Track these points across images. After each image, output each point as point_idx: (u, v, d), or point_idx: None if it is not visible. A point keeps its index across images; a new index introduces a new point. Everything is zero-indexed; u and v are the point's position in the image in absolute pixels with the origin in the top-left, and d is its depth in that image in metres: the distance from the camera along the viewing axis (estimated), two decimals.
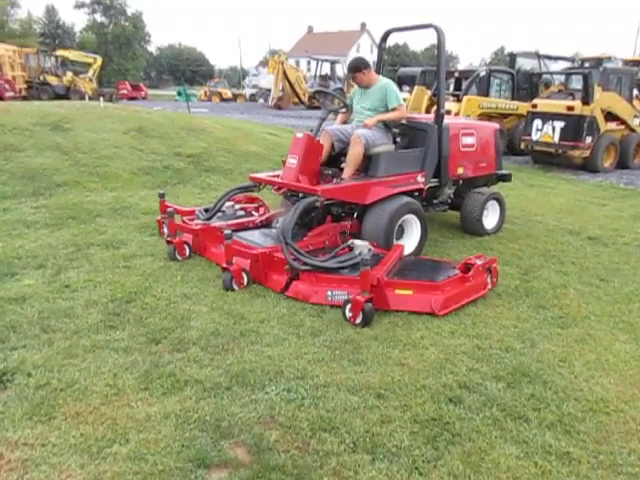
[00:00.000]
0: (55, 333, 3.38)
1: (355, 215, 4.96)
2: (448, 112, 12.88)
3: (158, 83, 71.21)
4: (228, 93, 40.22)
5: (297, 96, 29.63)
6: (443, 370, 3.13)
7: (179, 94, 35.80)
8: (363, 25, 66.26)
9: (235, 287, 4.14)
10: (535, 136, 11.94)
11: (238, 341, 3.37)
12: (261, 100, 35.95)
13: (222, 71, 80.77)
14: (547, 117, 11.66)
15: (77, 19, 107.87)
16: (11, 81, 26.33)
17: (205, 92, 40.35)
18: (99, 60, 32.62)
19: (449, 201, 5.87)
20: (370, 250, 4.39)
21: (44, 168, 7.80)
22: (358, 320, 3.60)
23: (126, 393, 2.76)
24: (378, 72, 5.78)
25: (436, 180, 5.50)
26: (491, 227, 6.11)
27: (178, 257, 4.78)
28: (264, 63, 43.03)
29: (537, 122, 11.86)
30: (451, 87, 14.92)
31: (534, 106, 12.11)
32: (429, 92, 14.44)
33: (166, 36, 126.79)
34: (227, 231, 4.11)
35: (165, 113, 14.68)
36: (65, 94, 26.79)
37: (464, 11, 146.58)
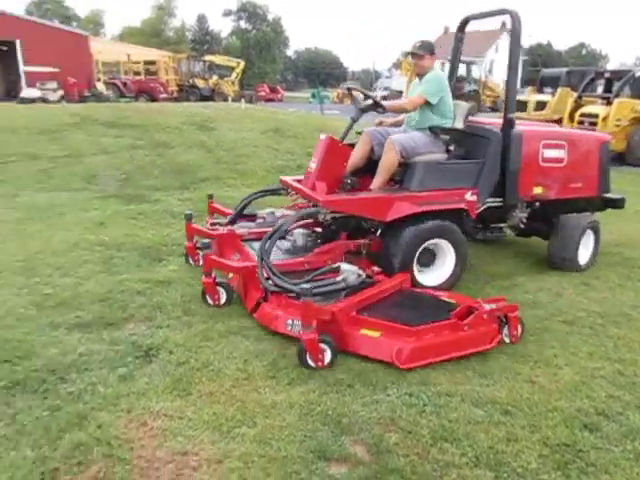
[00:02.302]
0: (194, 316, 3.66)
1: (378, 233, 4.30)
2: (595, 116, 12.02)
3: (294, 85, 74.05)
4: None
5: None
6: (578, 393, 2.90)
7: (313, 96, 36.98)
8: (503, 24, 63.31)
9: (209, 302, 3.82)
10: None
11: None
12: None
13: (355, 73, 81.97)
14: None
15: (224, 26, 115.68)
16: (165, 84, 28.99)
17: (337, 94, 41.20)
18: (242, 64, 34.68)
19: (521, 226, 4.77)
20: (360, 276, 3.63)
21: (190, 164, 8.48)
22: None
23: (255, 379, 2.92)
24: (453, 65, 5.29)
25: (499, 200, 4.49)
26: (585, 262, 4.96)
27: (191, 263, 4.61)
28: (397, 65, 42.94)
29: None
30: (599, 89, 13.77)
31: None
32: (574, 94, 13.44)
33: (304, 40, 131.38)
34: (205, 240, 3.81)
35: (300, 114, 15.25)
36: (210, 96, 28.89)
37: (615, 4, 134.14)
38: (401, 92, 30.09)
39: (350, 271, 3.62)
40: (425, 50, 4.36)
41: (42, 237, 5.27)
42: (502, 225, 4.77)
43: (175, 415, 2.59)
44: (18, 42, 27.94)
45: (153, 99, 25.33)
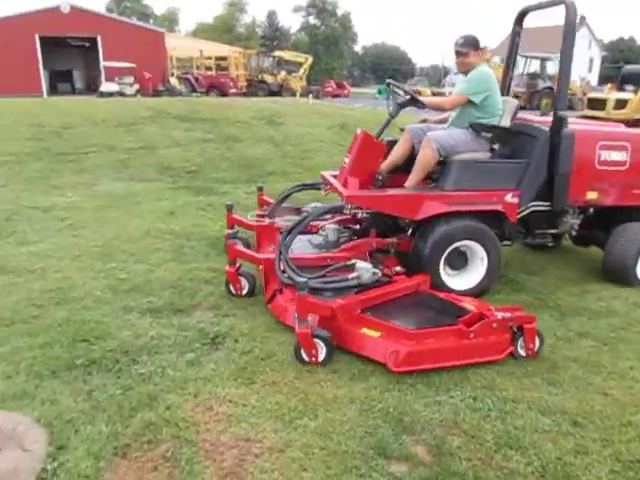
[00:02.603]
0: (259, 307, 3.74)
1: (409, 232, 4.15)
2: None
3: (360, 81, 73.83)
4: (427, 91, 39.99)
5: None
6: None
7: (379, 92, 36.64)
8: (582, 18, 60.42)
9: (232, 291, 3.89)
10: None
11: None
12: None
13: (423, 69, 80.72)
14: None
15: (294, 22, 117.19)
16: (235, 79, 29.66)
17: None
18: (310, 60, 34.93)
19: (573, 233, 4.53)
20: (375, 274, 3.54)
21: (258, 158, 8.65)
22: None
23: (317, 372, 2.94)
24: (509, 59, 5.02)
25: (546, 204, 4.19)
26: None
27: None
28: None
29: None
30: None
31: None
32: None
33: (372, 35, 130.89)
34: (230, 231, 3.79)
35: (366, 110, 15.20)
36: (278, 91, 29.31)
37: None
38: None
39: (365, 269, 3.52)
40: (469, 46, 4.16)
41: (118, 224, 5.53)
42: (553, 231, 4.44)
43: (239, 402, 2.65)
44: (99, 38, 29.39)
45: (223, 94, 25.99)
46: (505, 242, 4.32)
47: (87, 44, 31.20)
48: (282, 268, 3.58)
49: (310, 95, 19.17)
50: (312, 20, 66.92)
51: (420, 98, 4.10)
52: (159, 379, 2.83)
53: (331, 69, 61.33)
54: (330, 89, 39.85)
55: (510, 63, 5.07)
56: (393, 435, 2.46)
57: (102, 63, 29.14)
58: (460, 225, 3.93)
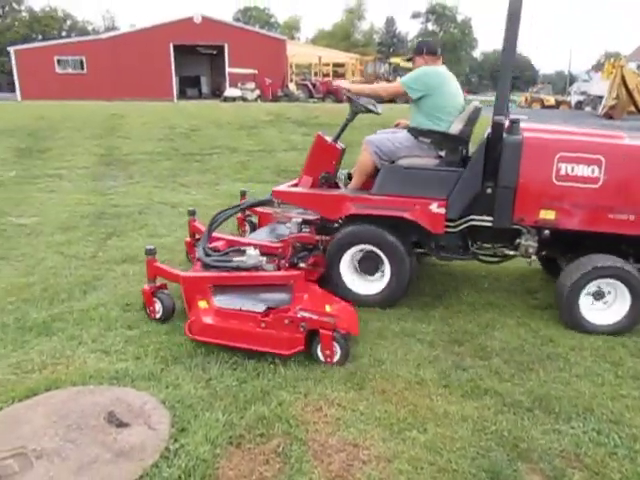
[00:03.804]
0: (370, 313, 3.74)
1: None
2: None
3: (477, 88, 71.57)
4: (550, 100, 37.88)
5: (635, 105, 26.06)
6: None
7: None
8: None
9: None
10: None
11: (544, 363, 3.16)
12: (588, 108, 32.77)
13: (546, 76, 76.52)
14: None
15: (411, 28, 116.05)
16: None
17: (526, 98, 38.86)
18: None
19: (532, 257, 3.85)
20: (258, 262, 3.63)
21: None
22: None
23: (427, 385, 2.88)
24: None
25: (489, 219, 3.72)
26: (604, 323, 3.59)
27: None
28: (597, 67, 39.12)
29: None
30: None
31: None
32: None
33: (493, 41, 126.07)
34: (150, 247, 3.65)
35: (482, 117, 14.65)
36: (392, 98, 29.17)
37: None
38: (601, 98, 27.43)
39: (251, 255, 3.65)
40: (413, 52, 4.22)
41: (235, 223, 5.80)
42: (511, 252, 3.92)
43: (348, 406, 2.66)
44: (226, 46, 31.16)
45: (339, 100, 26.40)
46: (443, 255, 4.04)
47: (215, 52, 33.23)
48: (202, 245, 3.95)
49: None
50: (430, 26, 66.09)
51: (362, 92, 4.17)
52: (271, 375, 2.92)
53: None
54: None
55: None
56: (507, 460, 2.34)
57: (227, 70, 30.87)
58: (362, 229, 3.86)
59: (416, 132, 3.93)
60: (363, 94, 4.18)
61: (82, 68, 30.80)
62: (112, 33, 35.52)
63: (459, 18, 64.68)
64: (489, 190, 3.64)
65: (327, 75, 32.48)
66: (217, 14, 32.75)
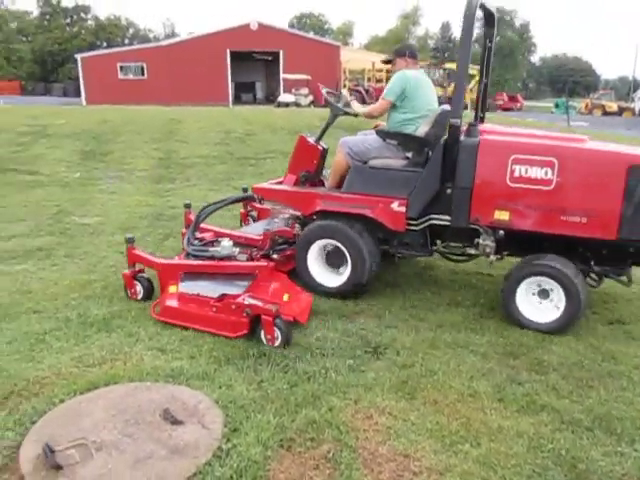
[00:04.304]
0: (422, 322, 3.70)
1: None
2: None
3: (535, 94, 69.72)
4: (613, 106, 36.40)
5: None
6: None
7: (556, 106, 34.31)
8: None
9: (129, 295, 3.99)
10: None
11: (604, 381, 3.03)
12: None
13: (609, 82, 73.64)
14: None
15: None
16: None
17: (586, 104, 37.51)
18: None
19: (488, 253, 3.83)
20: (231, 253, 3.93)
21: None
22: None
23: (481, 398, 2.81)
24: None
25: (448, 219, 3.81)
26: (544, 321, 3.64)
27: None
28: None
29: None
30: None
31: None
32: None
33: (552, 46, 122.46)
34: (129, 236, 4.03)
35: (542, 124, 14.25)
36: (447, 104, 28.73)
37: None
38: None
39: (225, 247, 3.96)
40: (394, 55, 4.30)
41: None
42: (472, 251, 3.98)
43: (399, 416, 2.64)
44: (281, 52, 31.59)
45: None
46: (407, 252, 4.18)
47: (270, 58, 33.75)
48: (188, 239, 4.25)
49: None
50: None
51: (354, 108, 4.33)
52: (322, 380, 2.93)
53: (504, 81, 58.72)
54: (502, 102, 38.15)
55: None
56: None
57: (282, 75, 31.28)
58: (327, 225, 4.08)
59: (383, 134, 4.13)
60: (362, 114, 4.32)
61: (142, 74, 31.93)
62: (171, 40, 36.67)
63: (517, 22, 63.10)
64: (449, 190, 3.76)
65: (380, 81, 32.36)
66: (273, 21, 33.16)
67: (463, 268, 4.83)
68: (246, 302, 3.36)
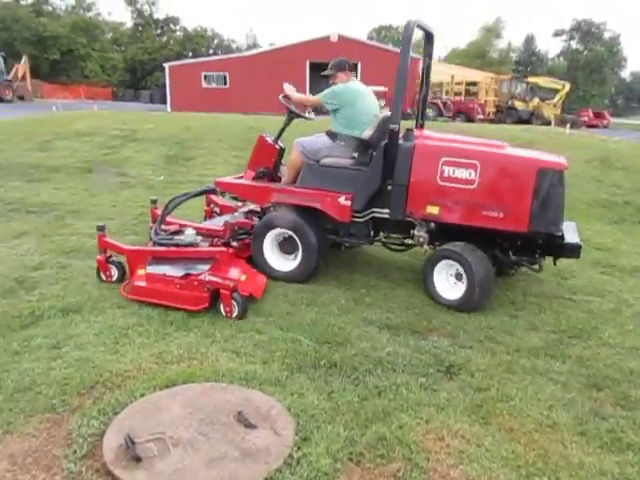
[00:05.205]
0: (497, 345, 3.58)
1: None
2: None
3: (623, 111, 66.05)
4: None
5: None
6: None
7: None
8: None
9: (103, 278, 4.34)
10: None
11: None
12: None
13: None
14: None
15: (553, 46, 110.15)
16: (483, 105, 29.11)
17: None
18: (567, 86, 32.45)
19: (425, 246, 4.45)
20: (194, 240, 4.37)
21: None
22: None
23: (561, 430, 2.68)
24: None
25: (386, 212, 4.36)
26: (452, 298, 4.19)
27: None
28: None
29: None
30: None
31: None
32: None
33: None
34: (100, 224, 4.38)
35: (632, 144, 13.49)
36: (528, 119, 27.83)
37: None
38: None
39: (188, 235, 4.40)
40: (334, 69, 4.67)
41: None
42: (409, 241, 4.62)
43: (472, 440, 2.56)
44: (360, 63, 31.77)
45: (469, 119, 25.74)
46: (357, 242, 4.73)
47: None
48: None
49: (568, 125, 17.74)
50: (574, 45, 62.28)
51: (293, 95, 4.81)
52: (393, 396, 2.89)
53: (589, 97, 56.13)
54: (586, 118, 36.42)
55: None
56: None
57: None
58: (281, 215, 4.54)
59: (333, 136, 4.57)
60: (294, 99, 4.82)
61: (225, 83, 33.04)
62: (254, 51, 37.79)
63: (607, 35, 60.19)
64: (389, 187, 4.29)
65: (459, 94, 31.81)
66: (352, 33, 33.47)
67: (543, 291, 4.64)
68: (207, 279, 3.83)
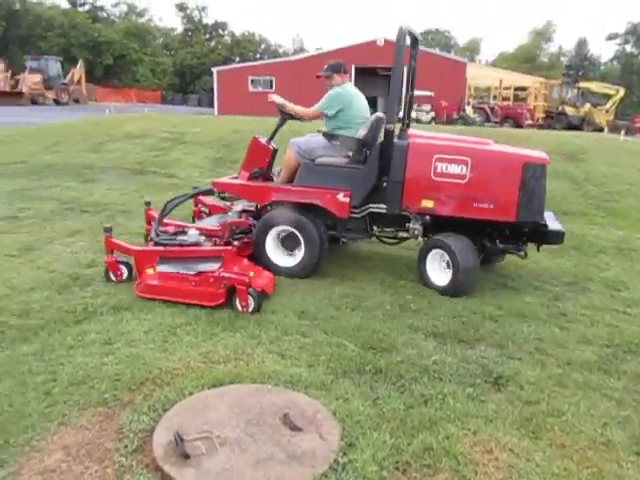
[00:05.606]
0: (548, 357, 3.47)
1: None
2: None
3: None
4: None
5: None
6: None
7: None
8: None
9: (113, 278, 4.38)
10: None
11: None
12: None
13: None
14: None
15: (606, 50, 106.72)
16: (532, 110, 28.46)
17: None
18: (621, 92, 31.34)
19: (416, 235, 4.68)
20: (197, 240, 4.47)
21: (553, 194, 8.07)
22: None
23: (616, 448, 2.58)
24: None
25: (383, 207, 4.61)
26: (441, 284, 4.53)
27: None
28: None
29: None
30: None
31: None
32: None
33: None
34: (107, 226, 4.40)
35: None
36: (579, 125, 27.00)
37: None
38: None
39: (192, 235, 4.53)
40: (331, 71, 4.90)
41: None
42: (404, 235, 4.83)
43: (522, 455, 2.49)
44: (406, 68, 31.55)
45: (518, 125, 25.19)
46: (355, 236, 4.93)
47: (389, 73, 33.81)
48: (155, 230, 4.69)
49: (622, 131, 17.12)
50: (629, 49, 60.09)
51: (289, 106, 4.92)
52: (439, 405, 2.85)
53: None
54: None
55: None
56: None
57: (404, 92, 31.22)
58: (282, 213, 4.66)
59: (329, 136, 4.77)
60: (289, 110, 4.92)
61: (271, 87, 33.44)
62: (300, 55, 38.09)
63: None
64: (385, 184, 4.52)
65: (507, 99, 31.20)
66: (391, 35, 33.32)
67: (594, 303, 4.48)
68: (222, 275, 3.93)
